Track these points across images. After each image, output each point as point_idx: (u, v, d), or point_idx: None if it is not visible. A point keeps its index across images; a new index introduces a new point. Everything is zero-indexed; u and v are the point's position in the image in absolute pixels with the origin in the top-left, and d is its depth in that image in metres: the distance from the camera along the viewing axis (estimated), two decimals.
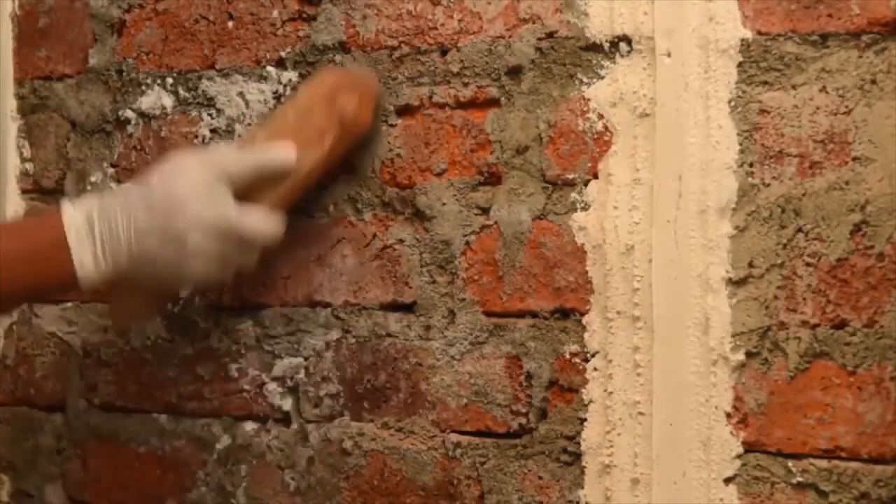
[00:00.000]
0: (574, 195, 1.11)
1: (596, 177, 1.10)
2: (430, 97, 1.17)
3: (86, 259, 1.08)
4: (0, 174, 1.37)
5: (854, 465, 1.01)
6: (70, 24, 1.34)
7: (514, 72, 1.13)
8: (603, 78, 1.10)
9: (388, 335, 1.19)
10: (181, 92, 1.28)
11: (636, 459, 1.08)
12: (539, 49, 1.12)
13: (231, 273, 1.13)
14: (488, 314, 1.15)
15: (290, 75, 1.23)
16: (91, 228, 1.08)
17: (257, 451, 1.25)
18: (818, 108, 1.02)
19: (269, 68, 1.24)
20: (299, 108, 1.14)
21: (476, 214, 1.15)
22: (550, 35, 1.12)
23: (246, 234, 1.09)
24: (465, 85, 1.15)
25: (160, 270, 1.09)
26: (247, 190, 1.10)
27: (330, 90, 1.13)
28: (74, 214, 1.08)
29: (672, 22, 1.06)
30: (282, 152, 1.10)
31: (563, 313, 1.12)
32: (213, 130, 1.27)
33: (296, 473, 1.23)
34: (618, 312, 1.09)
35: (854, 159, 1.01)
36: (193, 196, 1.07)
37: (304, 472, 1.22)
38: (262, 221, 1.10)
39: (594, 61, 1.10)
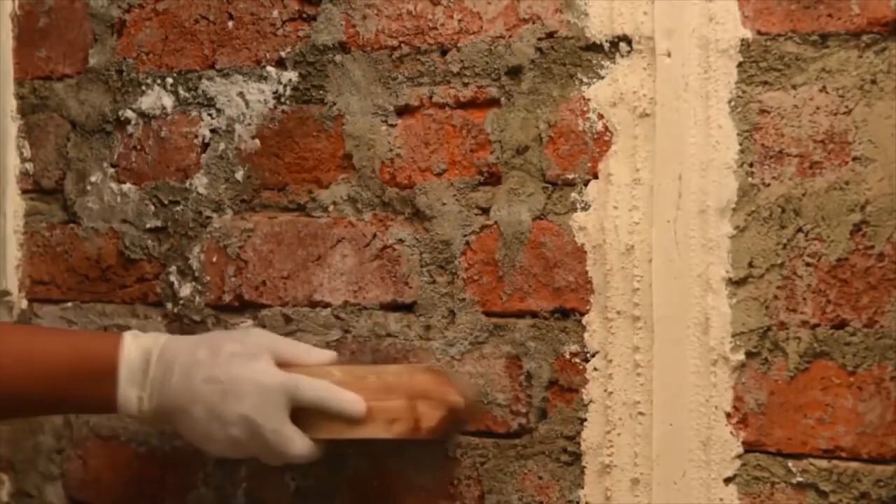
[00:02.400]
0: (574, 195, 1.11)
1: (596, 177, 1.10)
2: (430, 97, 1.17)
3: (130, 398, 1.11)
4: (0, 174, 1.37)
5: (854, 465, 1.01)
6: (70, 24, 1.34)
7: (514, 72, 1.13)
8: (603, 78, 1.10)
9: (388, 335, 1.19)
10: (181, 92, 1.28)
11: (636, 459, 1.08)
12: (539, 49, 1.12)
13: (244, 458, 1.13)
14: (488, 314, 1.15)
15: (290, 75, 1.23)
16: (145, 370, 1.11)
17: None
18: (818, 108, 1.02)
19: (269, 68, 1.24)
20: (382, 382, 1.10)
21: (476, 214, 1.15)
22: (550, 35, 1.12)
23: (278, 450, 1.09)
24: (465, 85, 1.15)
25: (191, 432, 1.11)
26: (303, 410, 1.09)
27: (420, 390, 1.10)
28: (132, 351, 1.11)
29: (672, 22, 1.06)
30: (355, 406, 1.09)
31: (563, 313, 1.12)
32: (213, 130, 1.27)
33: (296, 473, 1.23)
34: (618, 312, 1.09)
35: (854, 159, 1.01)
36: (253, 396, 1.08)
37: (304, 472, 1.22)
38: (302, 445, 1.09)
39: (594, 61, 1.10)
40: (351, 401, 1.08)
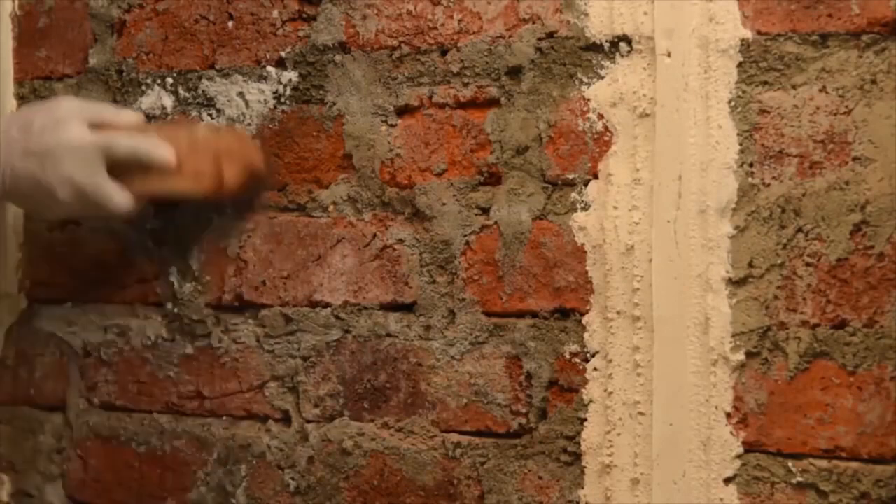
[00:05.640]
0: (574, 195, 1.11)
1: (596, 177, 1.10)
2: (430, 97, 1.17)
3: None
4: None
5: (854, 465, 1.01)
6: (70, 24, 1.34)
7: (514, 72, 1.13)
8: (603, 78, 1.10)
9: (388, 335, 1.19)
10: (181, 92, 1.28)
11: (636, 459, 1.08)
12: (539, 49, 1.12)
13: (81, 216, 1.24)
14: (488, 314, 1.15)
15: (290, 75, 1.23)
16: None
17: (257, 451, 1.25)
18: (818, 108, 1.02)
19: (269, 68, 1.24)
20: (192, 142, 1.20)
21: (476, 214, 1.15)
22: (550, 35, 1.12)
23: (102, 203, 1.17)
24: (465, 85, 1.15)
25: (26, 206, 1.26)
26: (119, 166, 1.17)
27: (224, 149, 1.20)
28: None
29: (672, 22, 1.06)
30: (165, 152, 1.17)
31: (563, 313, 1.12)
32: None
33: (296, 473, 1.23)
34: (618, 312, 1.09)
35: (854, 159, 1.01)
36: (70, 158, 1.16)
37: (304, 472, 1.22)
38: (121, 198, 1.18)
39: (594, 61, 1.10)
40: (162, 148, 1.17)
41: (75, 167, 1.16)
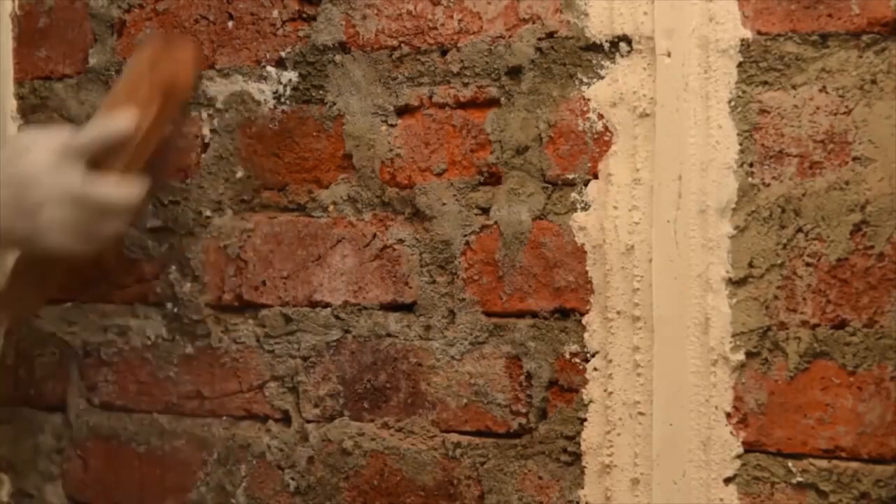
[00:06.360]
0: (574, 195, 1.11)
1: (596, 177, 1.10)
2: (430, 97, 1.17)
3: None
4: None
5: (854, 465, 1.01)
6: (70, 24, 1.34)
7: (514, 72, 1.13)
8: (603, 78, 1.10)
9: (388, 335, 1.19)
10: None
11: (636, 459, 1.08)
12: (539, 49, 1.12)
13: (97, 242, 1.12)
14: (488, 314, 1.15)
15: (290, 75, 1.23)
16: None
17: (257, 451, 1.25)
18: (818, 108, 1.02)
19: (269, 68, 1.24)
20: (127, 84, 1.16)
21: (476, 214, 1.15)
22: (550, 35, 1.12)
23: (101, 200, 1.10)
24: (465, 85, 1.15)
25: (19, 244, 1.11)
26: (98, 161, 1.12)
27: (150, 62, 1.17)
28: None
29: (672, 22, 1.06)
30: (120, 120, 1.12)
31: (563, 313, 1.12)
32: (213, 130, 1.27)
33: (296, 473, 1.23)
34: (618, 312, 1.09)
35: (854, 159, 1.01)
36: (43, 170, 1.09)
37: (304, 472, 1.22)
38: (116, 186, 1.11)
39: (594, 61, 1.10)
40: (116, 117, 1.12)
41: (52, 178, 1.09)
